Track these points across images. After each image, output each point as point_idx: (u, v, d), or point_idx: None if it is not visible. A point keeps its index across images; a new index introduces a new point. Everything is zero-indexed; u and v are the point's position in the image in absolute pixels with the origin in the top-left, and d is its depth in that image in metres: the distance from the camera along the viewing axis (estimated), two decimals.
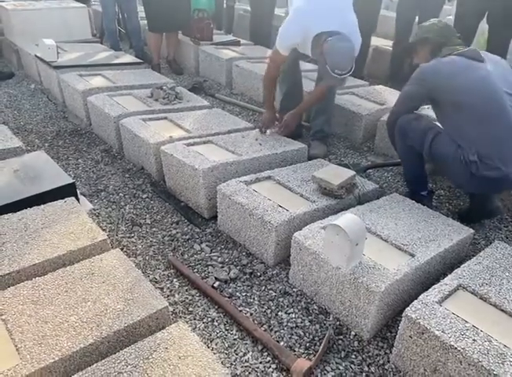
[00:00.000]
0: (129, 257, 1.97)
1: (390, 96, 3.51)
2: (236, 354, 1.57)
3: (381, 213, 2.02)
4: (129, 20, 4.92)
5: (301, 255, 1.80)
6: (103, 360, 1.30)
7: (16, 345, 1.32)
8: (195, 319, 1.70)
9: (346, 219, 1.61)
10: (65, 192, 2.07)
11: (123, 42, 5.49)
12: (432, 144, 2.09)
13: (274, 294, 1.84)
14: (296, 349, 1.60)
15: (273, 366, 1.54)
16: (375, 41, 4.93)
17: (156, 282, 1.86)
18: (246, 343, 1.61)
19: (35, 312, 1.42)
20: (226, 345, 1.60)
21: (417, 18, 4.09)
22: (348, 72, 2.32)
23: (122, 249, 1.98)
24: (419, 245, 1.79)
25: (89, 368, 1.27)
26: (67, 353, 1.31)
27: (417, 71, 2.14)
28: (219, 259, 2.02)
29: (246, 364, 1.54)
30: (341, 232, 1.57)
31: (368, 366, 1.56)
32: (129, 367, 1.28)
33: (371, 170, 2.82)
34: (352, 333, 1.67)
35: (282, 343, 1.62)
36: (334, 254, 1.64)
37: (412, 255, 1.74)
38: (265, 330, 1.67)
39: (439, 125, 2.15)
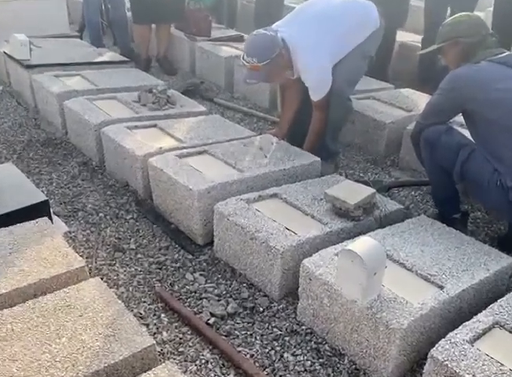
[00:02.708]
0: (111, 287, 2.02)
1: (419, 101, 3.59)
2: None
3: (405, 237, 2.07)
4: (114, 11, 5.06)
5: (311, 286, 1.85)
6: None
7: None
8: (186, 360, 1.75)
9: (363, 244, 1.67)
10: (37, 211, 2.13)
11: (106, 36, 5.64)
12: (464, 164, 2.14)
13: (279, 332, 1.89)
14: None
15: None
16: (402, 35, 5.02)
17: (141, 317, 1.92)
18: None
19: (2, 349, 1.47)
20: None
21: (449, 10, 4.20)
22: (253, 59, 2.54)
23: (102, 278, 2.03)
24: (449, 275, 1.84)
25: None
26: None
27: (446, 78, 2.20)
28: (215, 291, 2.07)
29: None
30: (357, 258, 1.62)
31: None
32: None
33: (395, 189, 2.88)
34: None
35: None
36: (349, 284, 1.69)
37: (441, 287, 1.78)
38: (268, 374, 1.71)
39: (472, 140, 2.20)
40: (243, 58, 2.61)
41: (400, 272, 1.87)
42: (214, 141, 2.80)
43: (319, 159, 2.71)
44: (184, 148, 2.69)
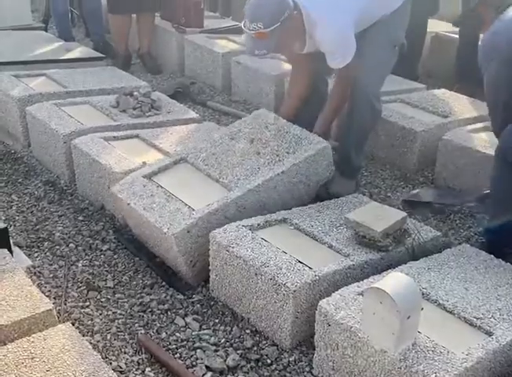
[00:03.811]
0: (84, 335, 2.02)
1: (458, 104, 3.61)
2: None
3: (444, 272, 2.07)
4: None
5: (330, 333, 1.84)
6: None
7: None
8: None
9: (394, 280, 1.66)
10: None
11: (77, 27, 5.70)
12: None
13: None
14: None
15: None
16: (435, 25, 5.07)
17: (121, 371, 1.90)
18: None
19: None
20: None
21: None
22: (258, 24, 2.50)
23: (73, 323, 2.03)
24: (499, 319, 1.83)
25: None
26: None
27: (481, 46, 2.19)
28: (212, 339, 2.06)
29: None
30: (387, 299, 1.62)
31: None
32: None
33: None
34: None
35: None
36: (377, 331, 1.69)
37: (489, 334, 1.77)
38: None
39: None
40: (244, 25, 2.57)
41: (440, 314, 1.87)
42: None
43: (327, 143, 2.65)
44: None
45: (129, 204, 2.40)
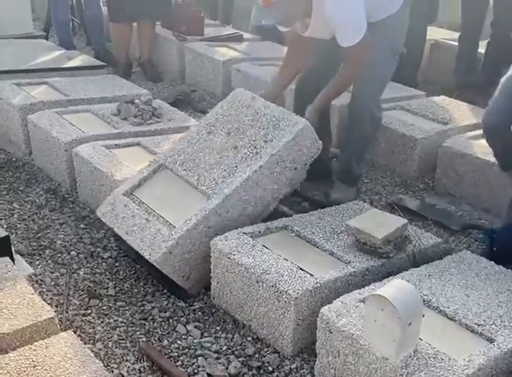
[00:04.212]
0: (86, 343, 2.02)
1: (457, 111, 3.63)
2: None
3: (445, 279, 2.06)
4: (88, 7, 5.15)
5: (331, 341, 1.83)
6: None
7: None
8: None
9: (395, 287, 1.66)
10: None
11: (78, 37, 5.72)
12: None
13: None
14: None
15: None
16: (434, 32, 5.09)
17: None
18: None
19: None
20: None
21: (491, 0, 4.27)
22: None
23: (75, 331, 2.03)
24: (501, 326, 1.83)
25: None
26: None
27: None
28: (213, 347, 2.06)
29: None
30: (388, 306, 1.62)
31: None
32: None
33: (429, 216, 2.88)
34: None
35: None
36: (379, 338, 1.68)
37: (490, 340, 1.77)
38: None
39: None
40: None
41: (441, 321, 1.86)
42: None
43: (306, 122, 2.47)
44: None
45: (112, 228, 2.40)
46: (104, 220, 2.46)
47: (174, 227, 2.25)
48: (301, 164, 2.48)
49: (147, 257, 2.21)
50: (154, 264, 2.20)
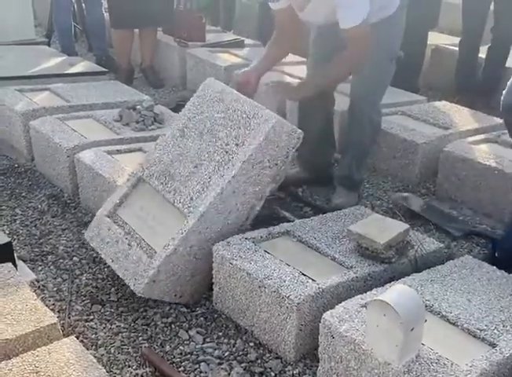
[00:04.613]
0: (88, 348, 2.01)
1: (458, 116, 3.63)
2: None
3: (447, 284, 2.06)
4: (90, 13, 5.17)
5: (334, 346, 1.83)
6: None
7: None
8: None
9: (397, 292, 1.66)
10: None
11: (80, 43, 5.73)
12: None
13: None
14: None
15: None
16: (435, 38, 5.10)
17: None
18: None
19: None
20: None
21: (492, 6, 4.28)
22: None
23: (77, 337, 2.03)
24: (503, 331, 1.83)
25: None
26: None
27: None
28: (216, 352, 2.06)
29: None
30: (390, 311, 1.62)
31: None
32: None
33: (431, 219, 2.88)
34: None
35: None
36: (381, 343, 1.68)
37: (493, 345, 1.77)
38: None
39: None
40: None
41: (443, 326, 1.86)
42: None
43: (276, 118, 2.30)
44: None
45: (100, 254, 2.39)
46: (91, 245, 2.44)
47: (155, 252, 2.20)
48: (282, 158, 2.35)
49: (132, 288, 2.19)
50: (139, 295, 2.19)
